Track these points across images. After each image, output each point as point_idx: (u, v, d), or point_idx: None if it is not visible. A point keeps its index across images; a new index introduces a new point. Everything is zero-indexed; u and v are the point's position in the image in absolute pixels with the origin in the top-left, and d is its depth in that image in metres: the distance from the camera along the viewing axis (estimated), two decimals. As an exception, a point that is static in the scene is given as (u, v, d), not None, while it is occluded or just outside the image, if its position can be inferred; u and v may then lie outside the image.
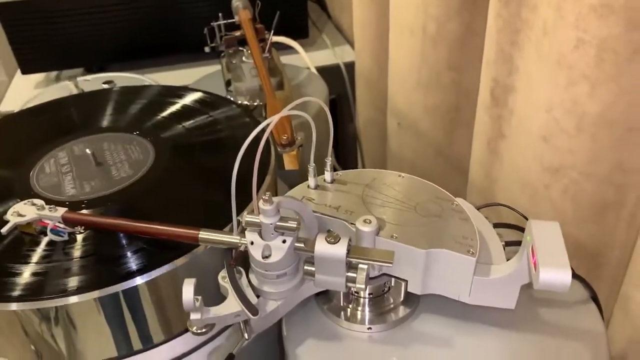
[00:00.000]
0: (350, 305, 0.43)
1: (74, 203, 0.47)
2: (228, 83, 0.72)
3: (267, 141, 0.50)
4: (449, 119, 0.80)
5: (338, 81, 0.97)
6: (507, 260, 0.40)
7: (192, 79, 0.85)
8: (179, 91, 0.61)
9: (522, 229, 0.48)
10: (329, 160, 0.44)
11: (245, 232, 0.38)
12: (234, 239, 0.39)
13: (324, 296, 0.44)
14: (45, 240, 0.43)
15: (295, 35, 0.95)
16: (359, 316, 0.42)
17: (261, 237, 0.38)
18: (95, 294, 0.39)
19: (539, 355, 0.39)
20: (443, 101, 0.78)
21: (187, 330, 0.39)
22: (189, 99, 0.59)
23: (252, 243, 0.38)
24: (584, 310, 0.42)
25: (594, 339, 0.40)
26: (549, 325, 0.41)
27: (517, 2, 0.58)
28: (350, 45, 1.02)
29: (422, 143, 0.86)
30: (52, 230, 0.42)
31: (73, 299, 0.39)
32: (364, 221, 0.39)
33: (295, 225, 0.37)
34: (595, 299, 0.44)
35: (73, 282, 0.40)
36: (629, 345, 0.50)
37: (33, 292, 0.40)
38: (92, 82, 0.83)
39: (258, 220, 0.37)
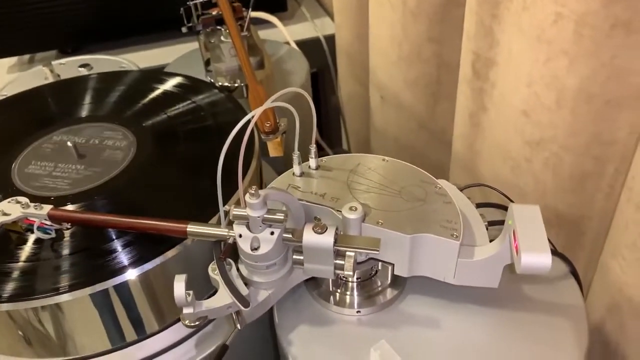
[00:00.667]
0: (339, 290, 0.44)
1: (58, 198, 0.47)
2: (207, 63, 0.71)
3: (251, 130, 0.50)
4: (431, 92, 0.80)
5: (319, 54, 0.96)
6: (490, 240, 0.41)
7: (169, 58, 0.83)
8: (160, 76, 0.60)
9: (505, 208, 0.49)
10: (313, 147, 0.44)
11: (234, 225, 0.39)
12: (222, 231, 0.40)
13: (313, 282, 0.45)
14: (32, 238, 0.43)
15: (273, 9, 0.94)
16: (348, 300, 0.43)
17: (249, 229, 0.38)
18: (87, 290, 0.40)
19: (523, 330, 0.41)
20: (424, 74, 0.78)
21: (177, 321, 0.40)
22: (170, 84, 0.58)
23: (240, 236, 0.38)
24: (564, 285, 0.44)
25: (574, 313, 0.42)
26: (531, 301, 0.43)
27: (496, -26, 0.58)
28: (330, 17, 1.01)
29: (404, 116, 0.86)
30: (39, 228, 0.42)
31: (65, 297, 0.40)
32: (350, 208, 0.40)
33: (282, 217, 0.37)
34: (574, 273, 0.45)
35: (64, 279, 0.40)
36: (607, 312, 0.52)
37: (24, 291, 0.40)
38: (68, 65, 0.81)
39: (245, 214, 0.38)
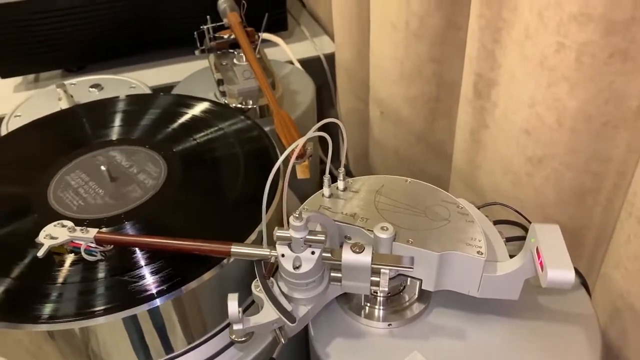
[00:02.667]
0: (370, 304, 0.47)
1: (93, 221, 0.49)
2: (219, 82, 0.73)
3: (277, 153, 0.53)
4: (430, 109, 0.84)
5: (319, 72, 0.99)
6: (509, 254, 0.45)
7: (176, 77, 0.85)
8: (188, 101, 0.62)
9: (519, 225, 0.53)
10: (342, 171, 0.48)
11: (276, 245, 0.42)
12: (264, 251, 0.42)
13: (344, 297, 0.48)
14: (69, 261, 0.45)
15: (275, 28, 0.96)
16: (379, 314, 0.47)
17: (291, 249, 0.41)
18: (122, 314, 0.42)
19: (541, 338, 0.45)
20: (424, 92, 0.82)
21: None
22: (198, 109, 0.61)
23: (283, 255, 0.41)
24: (576, 296, 0.48)
25: (587, 321, 0.46)
26: (547, 311, 0.46)
27: (498, 3, 0.61)
28: (328, 36, 1.04)
29: (403, 130, 0.89)
30: (85, 251, 0.44)
31: (101, 320, 0.41)
32: (382, 228, 0.43)
33: (323, 238, 0.40)
34: (585, 284, 0.49)
35: (100, 302, 0.42)
36: (609, 319, 0.56)
37: (63, 313, 0.42)
38: (79, 85, 0.83)
39: (288, 235, 0.40)
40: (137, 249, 0.45)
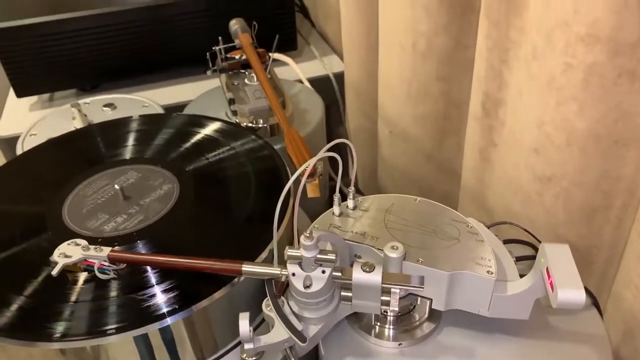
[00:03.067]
0: (380, 324, 0.47)
1: (105, 239, 0.50)
2: (231, 101, 0.74)
3: (287, 172, 0.54)
4: (438, 127, 0.84)
5: (328, 90, 1.00)
6: (519, 273, 0.45)
7: (188, 96, 0.86)
8: (200, 120, 0.63)
9: (528, 244, 0.53)
10: (352, 190, 0.48)
11: (287, 264, 0.42)
12: (275, 270, 0.43)
13: (355, 317, 0.48)
14: (82, 279, 0.46)
15: (285, 47, 0.98)
16: (389, 333, 0.47)
17: (302, 268, 0.42)
18: (133, 333, 0.42)
19: (552, 358, 0.44)
20: (432, 110, 0.83)
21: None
22: (211, 128, 0.62)
23: (293, 274, 0.42)
24: (587, 316, 0.48)
25: (599, 341, 0.45)
26: (558, 331, 0.46)
27: (505, 24, 0.62)
28: (337, 55, 1.05)
29: (412, 149, 0.90)
30: (99, 269, 0.45)
31: (112, 339, 0.42)
32: (392, 247, 0.43)
33: (334, 258, 0.41)
34: (596, 305, 0.49)
35: (111, 321, 0.43)
36: (622, 338, 0.56)
37: (74, 331, 0.42)
38: (92, 104, 0.84)
39: (299, 254, 0.41)
40: (148, 267, 0.46)
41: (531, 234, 0.52)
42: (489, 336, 0.46)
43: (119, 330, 0.42)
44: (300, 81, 0.92)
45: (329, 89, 1.00)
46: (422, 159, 0.89)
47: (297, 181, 0.44)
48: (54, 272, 0.44)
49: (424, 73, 0.79)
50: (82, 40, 0.89)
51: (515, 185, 0.67)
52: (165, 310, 0.43)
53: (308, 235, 0.40)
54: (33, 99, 0.95)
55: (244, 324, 0.39)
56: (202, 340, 0.46)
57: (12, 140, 0.85)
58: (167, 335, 0.44)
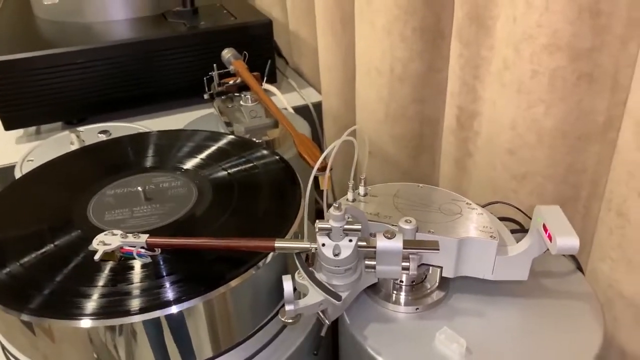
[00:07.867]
0: (397, 293, 0.52)
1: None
2: (228, 124, 0.79)
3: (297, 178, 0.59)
4: (414, 145, 0.92)
5: (306, 118, 1.06)
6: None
7: (177, 125, 0.91)
8: (215, 135, 0.69)
9: (517, 222, 0.60)
10: (363, 177, 0.54)
11: (317, 236, 0.47)
12: (305, 244, 0.47)
13: (373, 289, 0.53)
14: (108, 266, 0.49)
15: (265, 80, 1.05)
16: (406, 299, 0.51)
17: (330, 238, 0.46)
18: (158, 313, 0.45)
19: (550, 313, 0.50)
20: (408, 130, 0.90)
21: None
22: (223, 142, 0.67)
23: (323, 245, 0.46)
24: (574, 278, 0.54)
25: (588, 298, 0.52)
26: (552, 291, 0.53)
27: (476, 44, 0.71)
28: (312, 87, 1.13)
29: (389, 167, 0.97)
30: (137, 255, 0.48)
31: (137, 318, 0.44)
32: (406, 221, 0.49)
33: (360, 227, 0.46)
34: (580, 269, 0.56)
35: (136, 303, 0.45)
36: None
37: (104, 311, 0.45)
38: (87, 132, 0.87)
39: (329, 225, 0.46)
40: (173, 252, 0.49)
41: (521, 210, 0.59)
42: (494, 299, 0.51)
43: (143, 311, 0.44)
44: (285, 109, 0.98)
45: (308, 117, 1.06)
46: (399, 176, 0.96)
47: (308, 177, 0.49)
48: (96, 257, 0.47)
49: (401, 95, 0.87)
50: (70, 74, 0.93)
51: (493, 186, 0.74)
52: (184, 295, 0.46)
53: (337, 206, 0.45)
54: (20, 132, 0.97)
55: (288, 284, 0.43)
56: (233, 321, 0.49)
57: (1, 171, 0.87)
58: (184, 319, 0.46)
